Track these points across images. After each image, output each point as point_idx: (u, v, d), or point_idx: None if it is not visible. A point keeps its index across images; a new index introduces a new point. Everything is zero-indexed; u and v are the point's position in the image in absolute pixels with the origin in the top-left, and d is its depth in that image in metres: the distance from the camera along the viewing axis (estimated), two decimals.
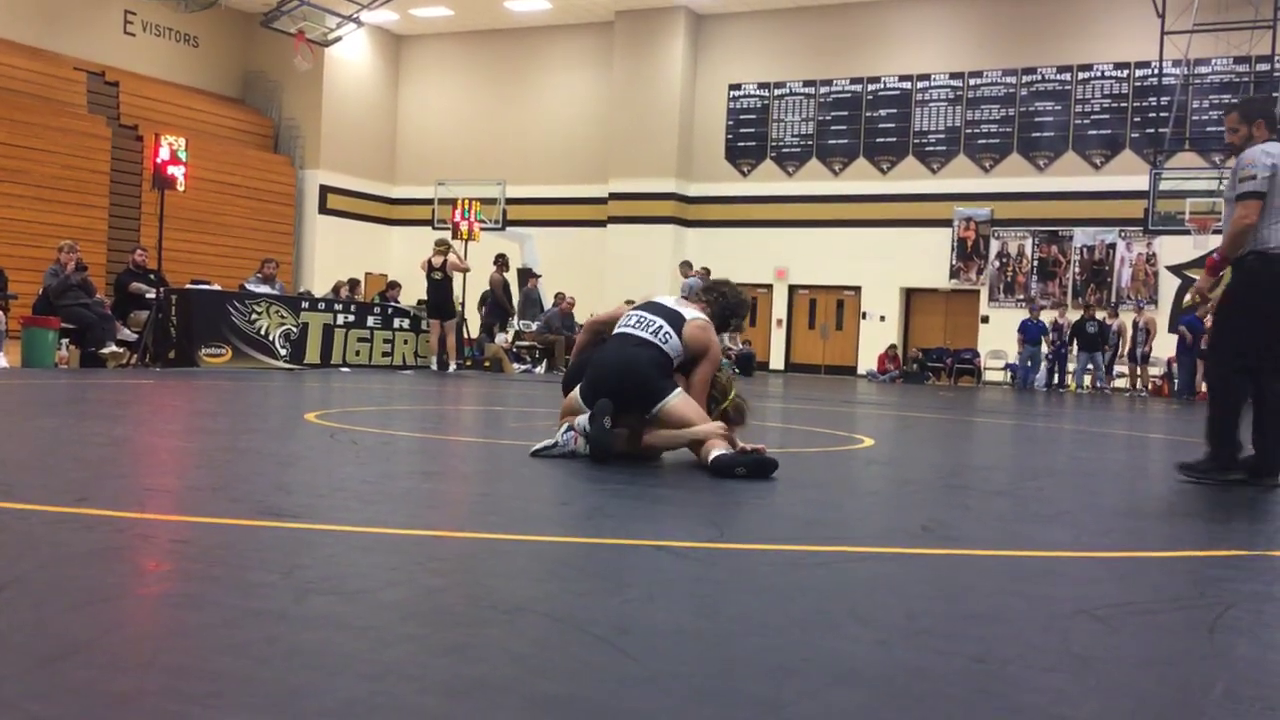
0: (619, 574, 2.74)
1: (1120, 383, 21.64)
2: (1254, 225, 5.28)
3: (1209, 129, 22.95)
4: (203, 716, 1.59)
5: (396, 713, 1.64)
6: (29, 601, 2.20)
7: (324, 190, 28.40)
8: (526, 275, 21.33)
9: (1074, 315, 22.13)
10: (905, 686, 1.89)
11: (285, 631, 2.05)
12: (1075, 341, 21.20)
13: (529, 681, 1.82)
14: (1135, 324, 21.03)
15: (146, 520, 3.18)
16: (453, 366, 16.65)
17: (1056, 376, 21.56)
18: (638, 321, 5.30)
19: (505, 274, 19.35)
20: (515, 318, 19.98)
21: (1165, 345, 21.31)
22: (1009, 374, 23.14)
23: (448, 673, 1.86)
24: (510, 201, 24.46)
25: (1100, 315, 21.47)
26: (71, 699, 1.65)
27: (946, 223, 24.72)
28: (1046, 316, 21.92)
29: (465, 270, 17.14)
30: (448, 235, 18.09)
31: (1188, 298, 5.91)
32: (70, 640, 1.94)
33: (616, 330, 5.35)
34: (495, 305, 19.13)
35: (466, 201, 19.08)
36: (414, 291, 20.60)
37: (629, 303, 5.72)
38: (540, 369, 18.35)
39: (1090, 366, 21.05)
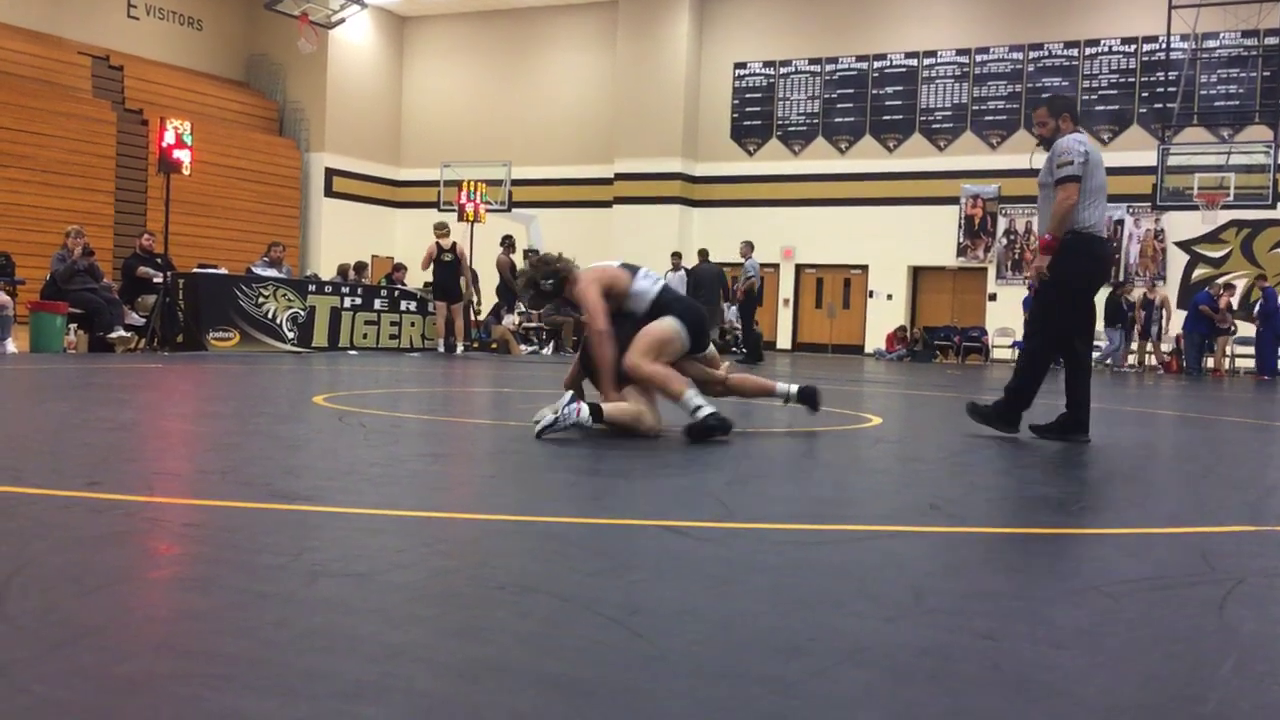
0: (627, 554, 2.74)
1: (1129, 359, 21.57)
2: (1075, 205, 5.80)
3: (1217, 104, 22.83)
4: (213, 699, 1.59)
5: (407, 694, 1.65)
6: (39, 586, 2.21)
7: (329, 173, 28.38)
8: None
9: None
10: (914, 664, 1.89)
11: (295, 614, 2.05)
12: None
13: (539, 662, 1.82)
14: (1150, 301, 20.92)
15: (156, 504, 3.19)
16: (460, 348, 16.67)
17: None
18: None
19: (511, 255, 19.31)
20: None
21: (1176, 322, 21.24)
22: (1016, 351, 23.09)
23: (457, 654, 1.86)
24: (516, 183, 24.41)
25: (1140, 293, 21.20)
26: (82, 683, 1.65)
27: (954, 200, 24.64)
28: None
29: (465, 278, 17.09)
30: (448, 219, 18.07)
31: (1030, 278, 6.30)
32: (81, 624, 1.94)
33: (659, 289, 5.51)
34: (501, 287, 19.11)
35: (472, 183, 19.04)
36: (420, 274, 20.57)
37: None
38: (547, 350, 18.35)
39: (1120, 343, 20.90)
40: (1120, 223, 23.48)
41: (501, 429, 6.03)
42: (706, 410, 5.15)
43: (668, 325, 5.31)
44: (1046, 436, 6.07)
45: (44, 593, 2.16)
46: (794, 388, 5.94)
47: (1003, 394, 6.10)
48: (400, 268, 18.60)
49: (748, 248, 19.15)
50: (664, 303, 5.44)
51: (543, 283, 5.55)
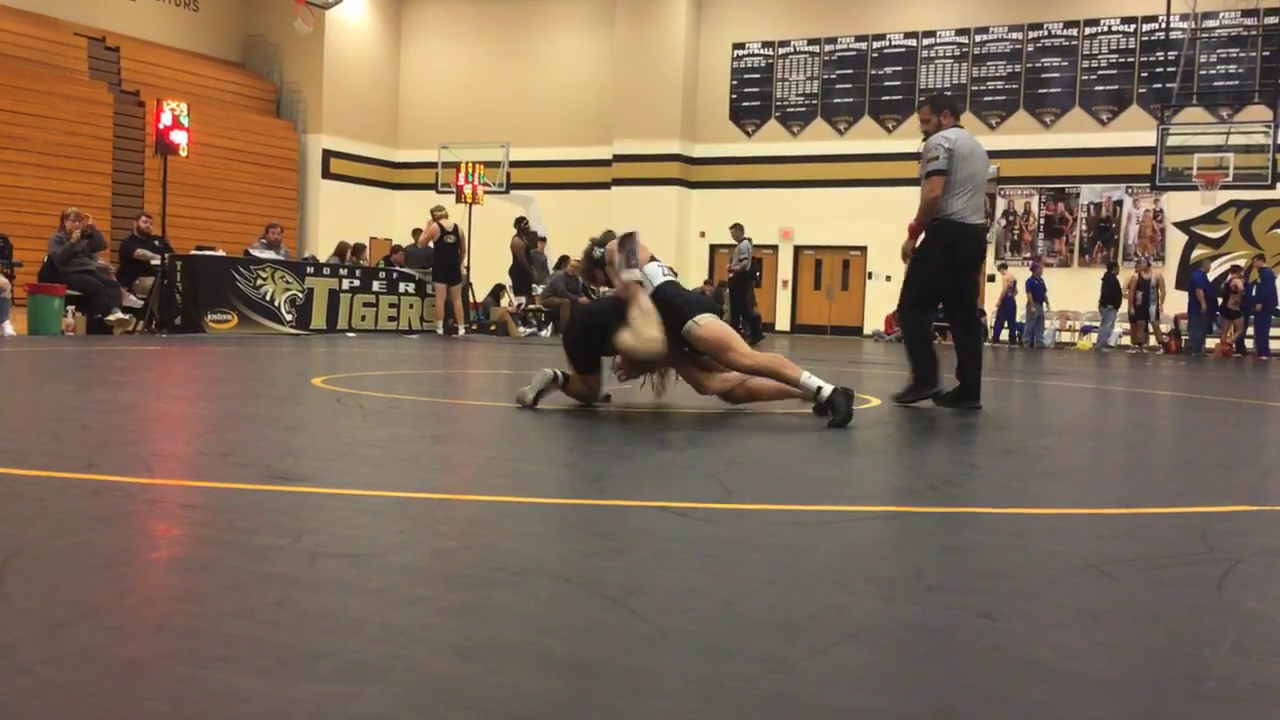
0: (627, 535, 2.74)
1: (1124, 340, 21.60)
2: (940, 197, 6.41)
3: (1217, 84, 22.77)
4: (213, 679, 1.60)
5: (407, 674, 1.65)
6: (40, 567, 2.21)
7: (327, 155, 28.30)
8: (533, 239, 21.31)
9: (1090, 271, 21.98)
10: (913, 643, 1.89)
11: (295, 595, 2.05)
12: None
13: (539, 641, 1.83)
14: (1147, 281, 20.91)
15: (155, 485, 3.19)
16: (461, 330, 16.65)
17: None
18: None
19: (525, 239, 19.33)
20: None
21: (1174, 302, 21.27)
22: (1015, 332, 23.10)
23: (458, 634, 1.87)
24: (514, 164, 24.36)
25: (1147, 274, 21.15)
26: (83, 663, 1.65)
27: None
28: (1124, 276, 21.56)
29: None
30: (444, 201, 18.04)
31: (905, 252, 6.89)
32: (81, 605, 1.94)
33: (662, 281, 5.56)
34: (515, 270, 19.14)
35: (470, 165, 18.99)
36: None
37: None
38: (546, 332, 18.34)
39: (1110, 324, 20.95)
40: (1119, 203, 23.46)
41: (500, 410, 6.03)
42: (828, 389, 5.20)
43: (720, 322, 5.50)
44: (944, 404, 6.54)
45: (44, 574, 2.16)
46: (826, 388, 5.23)
47: (957, 379, 6.54)
48: (398, 249, 18.56)
49: (739, 230, 19.20)
50: (669, 296, 5.46)
51: (595, 250, 5.85)
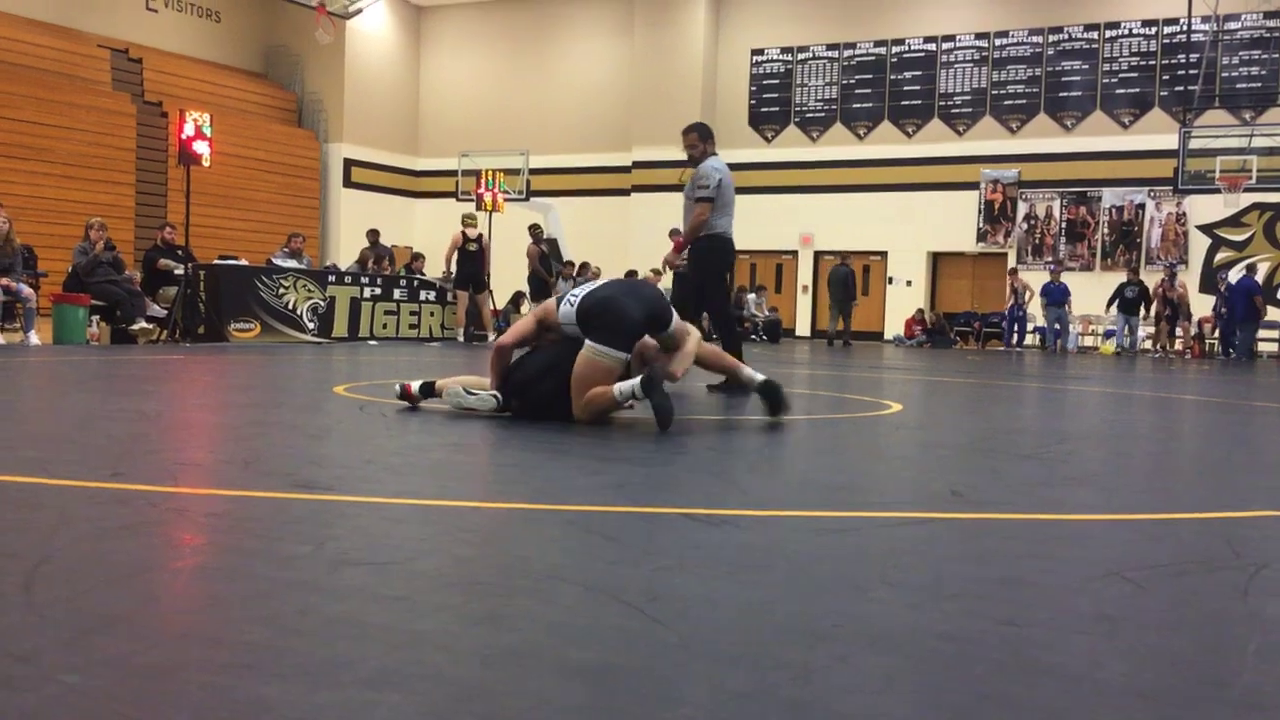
0: (649, 542, 2.74)
1: (1145, 344, 21.45)
2: (707, 220, 7.62)
3: (1239, 86, 22.63)
4: (237, 687, 1.61)
5: (430, 681, 1.65)
6: (65, 575, 2.23)
7: (348, 164, 28.43)
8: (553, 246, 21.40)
9: (1113, 276, 21.86)
10: (936, 650, 1.89)
11: (318, 602, 2.06)
12: (1115, 305, 20.92)
13: (561, 649, 1.83)
14: (1169, 299, 20.73)
15: (180, 494, 3.21)
16: (491, 337, 16.70)
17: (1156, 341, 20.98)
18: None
19: (542, 245, 19.38)
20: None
21: (1198, 306, 21.15)
22: (1037, 336, 22.99)
23: (481, 641, 1.87)
24: (533, 172, 24.40)
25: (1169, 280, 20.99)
26: (108, 671, 1.67)
27: (973, 185, 24.51)
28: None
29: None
30: (473, 208, 18.12)
31: (671, 267, 8.73)
32: (106, 613, 1.96)
33: (597, 291, 5.36)
34: (533, 277, 19.19)
35: (490, 172, 19.05)
36: (440, 263, 20.67)
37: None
38: None
39: (1127, 330, 20.82)
40: (1141, 206, 23.33)
41: (522, 419, 6.03)
42: (635, 384, 5.00)
43: (584, 358, 5.16)
44: (717, 390, 7.18)
45: (70, 582, 2.18)
46: (759, 377, 5.57)
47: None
48: (419, 257, 18.63)
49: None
50: (583, 323, 5.26)
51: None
